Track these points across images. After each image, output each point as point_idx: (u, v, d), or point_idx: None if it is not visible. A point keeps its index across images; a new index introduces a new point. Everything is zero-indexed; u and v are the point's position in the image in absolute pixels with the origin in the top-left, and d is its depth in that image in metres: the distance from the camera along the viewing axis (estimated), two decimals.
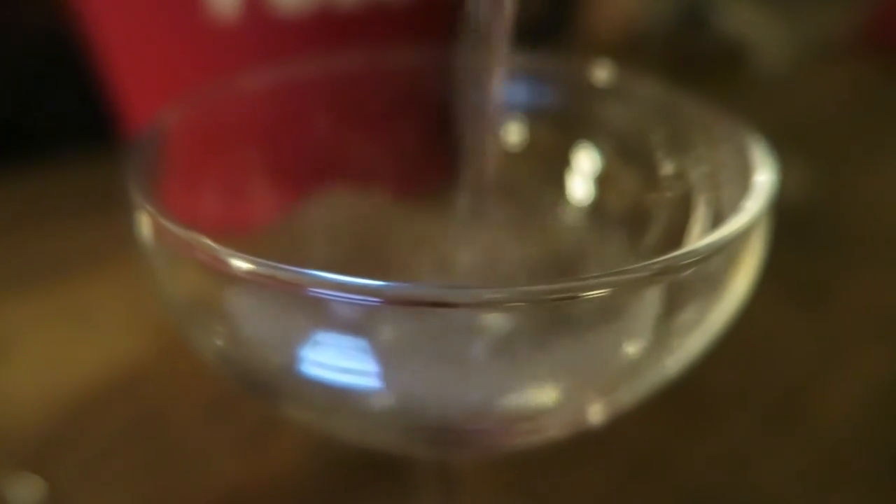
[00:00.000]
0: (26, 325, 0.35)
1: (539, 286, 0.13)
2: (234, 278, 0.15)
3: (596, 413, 0.17)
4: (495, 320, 0.15)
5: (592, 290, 0.14)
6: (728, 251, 0.15)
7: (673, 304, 0.15)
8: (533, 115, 0.26)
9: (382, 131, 0.26)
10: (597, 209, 0.24)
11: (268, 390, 0.17)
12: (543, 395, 0.16)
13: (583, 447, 0.28)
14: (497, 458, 0.21)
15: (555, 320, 0.15)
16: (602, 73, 0.25)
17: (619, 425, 0.29)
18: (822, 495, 0.27)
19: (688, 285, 0.15)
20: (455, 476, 0.24)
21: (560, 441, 0.18)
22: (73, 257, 0.39)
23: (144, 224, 0.17)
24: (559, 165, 0.25)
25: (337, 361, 0.15)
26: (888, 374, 0.33)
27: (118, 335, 0.34)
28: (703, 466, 0.28)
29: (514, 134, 0.26)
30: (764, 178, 0.18)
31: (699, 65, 0.61)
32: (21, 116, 0.48)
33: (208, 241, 0.15)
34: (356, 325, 0.15)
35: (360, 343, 0.15)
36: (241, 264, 0.14)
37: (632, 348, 0.16)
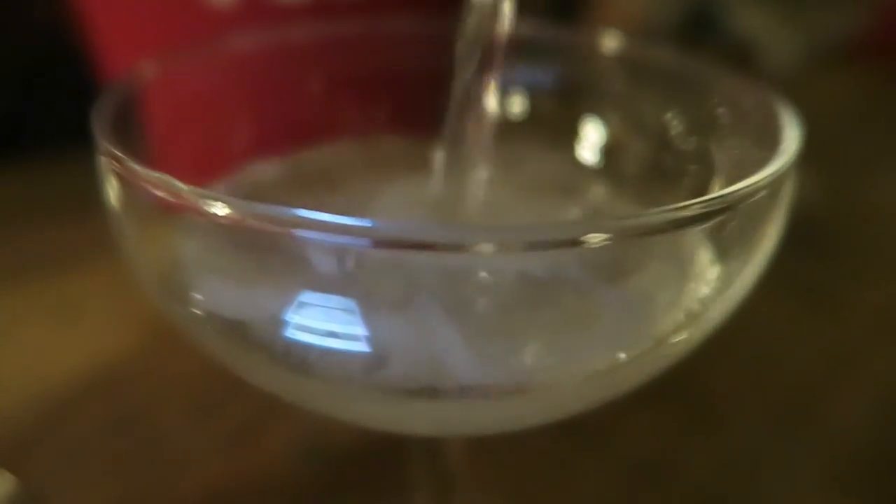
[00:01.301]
0: (12, 321, 0.34)
1: (549, 227, 0.12)
2: (206, 222, 0.13)
3: (601, 384, 0.15)
4: (492, 268, 0.13)
5: (606, 233, 0.12)
6: (762, 198, 0.14)
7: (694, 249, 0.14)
8: (541, 86, 0.25)
9: (365, 99, 0.25)
10: (610, 173, 0.23)
11: (249, 360, 0.16)
12: (544, 355, 0.14)
13: (584, 449, 0.27)
14: (490, 438, 0.19)
15: (569, 270, 0.13)
16: (611, 41, 0.24)
17: (626, 428, 0.28)
18: (831, 501, 0.26)
19: (723, 230, 0.14)
20: (448, 476, 0.22)
21: (558, 428, 0.16)
22: (60, 254, 0.38)
23: (109, 178, 0.15)
24: (569, 136, 0.24)
25: (320, 323, 0.14)
26: None
27: (104, 332, 0.33)
28: (711, 472, 0.27)
29: (517, 105, 0.25)
30: (791, 131, 0.16)
31: None
32: (13, 114, 0.47)
33: (182, 184, 0.13)
34: (340, 274, 0.13)
35: (347, 302, 0.13)
36: (213, 206, 0.12)
37: (650, 309, 0.15)
